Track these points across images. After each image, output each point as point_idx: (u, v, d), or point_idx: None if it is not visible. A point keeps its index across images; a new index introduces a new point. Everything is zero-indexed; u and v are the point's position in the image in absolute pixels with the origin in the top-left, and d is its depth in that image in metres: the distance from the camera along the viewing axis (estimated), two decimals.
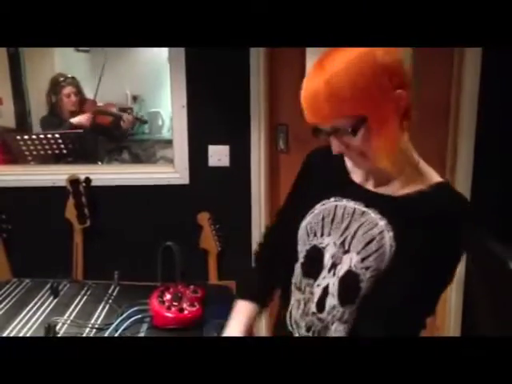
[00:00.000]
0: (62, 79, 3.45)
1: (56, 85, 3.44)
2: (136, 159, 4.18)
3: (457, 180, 2.63)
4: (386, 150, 1.02)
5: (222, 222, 2.59)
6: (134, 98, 4.63)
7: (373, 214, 1.10)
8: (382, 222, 1.09)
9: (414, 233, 1.05)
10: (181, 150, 2.62)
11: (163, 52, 2.68)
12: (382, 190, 1.13)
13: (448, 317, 2.77)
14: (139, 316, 1.55)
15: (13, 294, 1.74)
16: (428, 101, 2.63)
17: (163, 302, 1.54)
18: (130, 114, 3.79)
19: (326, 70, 0.99)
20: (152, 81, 4.45)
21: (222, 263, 2.61)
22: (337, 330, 1.13)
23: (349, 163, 1.20)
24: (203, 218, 2.58)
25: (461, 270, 2.67)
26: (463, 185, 2.61)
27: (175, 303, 1.54)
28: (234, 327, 1.24)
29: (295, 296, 1.22)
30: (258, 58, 2.50)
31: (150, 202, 2.66)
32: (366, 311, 1.10)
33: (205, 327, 1.54)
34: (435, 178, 1.12)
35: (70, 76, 3.52)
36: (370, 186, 1.15)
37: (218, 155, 2.61)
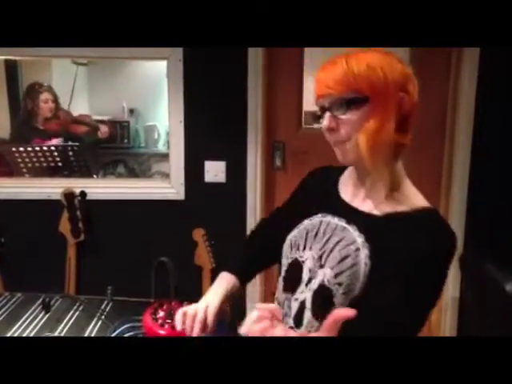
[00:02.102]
0: (37, 86, 3.54)
1: (33, 91, 3.53)
2: (131, 173, 4.19)
3: (452, 201, 2.63)
4: (370, 141, 1.04)
5: (216, 239, 2.58)
6: (131, 111, 4.64)
7: (352, 231, 1.10)
8: (360, 240, 1.08)
9: (390, 253, 1.03)
10: (177, 165, 2.62)
11: (161, 66, 2.68)
12: (365, 208, 1.13)
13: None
14: (132, 333, 1.53)
15: (4, 309, 1.72)
16: (424, 119, 2.65)
17: (156, 319, 1.52)
18: (107, 125, 4.01)
19: (349, 55, 1.07)
20: (149, 94, 4.47)
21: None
22: None
23: (342, 183, 1.22)
24: (198, 234, 2.56)
25: (455, 291, 2.66)
26: (459, 206, 2.62)
27: (168, 320, 1.52)
28: (213, 291, 1.32)
29: None
30: (255, 74, 2.52)
31: (145, 216, 2.64)
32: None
33: None
34: (421, 202, 1.11)
35: (46, 84, 3.61)
36: (355, 203, 1.16)
37: (215, 171, 2.61)
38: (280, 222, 1.35)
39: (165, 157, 3.03)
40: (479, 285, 2.13)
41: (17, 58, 3.39)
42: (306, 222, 1.20)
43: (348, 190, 1.19)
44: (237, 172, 2.61)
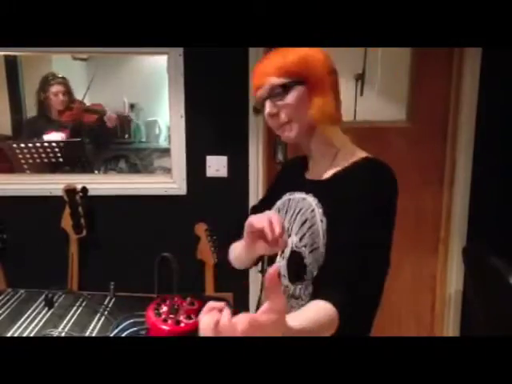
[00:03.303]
0: (51, 77, 3.46)
1: (45, 83, 3.45)
2: (133, 168, 4.18)
3: (455, 194, 2.63)
4: (320, 114, 1.20)
5: (219, 233, 2.57)
6: (132, 106, 4.62)
7: (309, 199, 1.27)
8: (314, 203, 1.24)
9: (340, 206, 1.17)
10: (179, 160, 2.61)
11: (162, 61, 2.67)
12: (316, 176, 1.31)
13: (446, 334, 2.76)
14: (135, 328, 1.53)
15: (7, 305, 1.72)
16: (426, 114, 2.64)
17: (159, 315, 1.52)
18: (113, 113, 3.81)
19: (283, 48, 1.21)
20: (150, 89, 4.45)
21: (219, 275, 2.58)
22: (292, 306, 1.27)
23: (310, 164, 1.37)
24: (200, 228, 2.56)
25: (459, 284, 2.66)
26: (462, 199, 2.61)
27: (172, 315, 1.52)
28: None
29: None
30: None
31: (147, 212, 2.64)
32: (317, 284, 1.22)
33: None
34: (360, 154, 1.26)
35: (60, 76, 3.51)
36: (310, 176, 1.34)
37: (216, 166, 2.60)
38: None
39: (166, 152, 3.02)
40: (483, 277, 2.12)
41: (16, 53, 3.36)
42: (278, 203, 1.37)
43: (309, 169, 1.36)
44: (239, 166, 2.60)
